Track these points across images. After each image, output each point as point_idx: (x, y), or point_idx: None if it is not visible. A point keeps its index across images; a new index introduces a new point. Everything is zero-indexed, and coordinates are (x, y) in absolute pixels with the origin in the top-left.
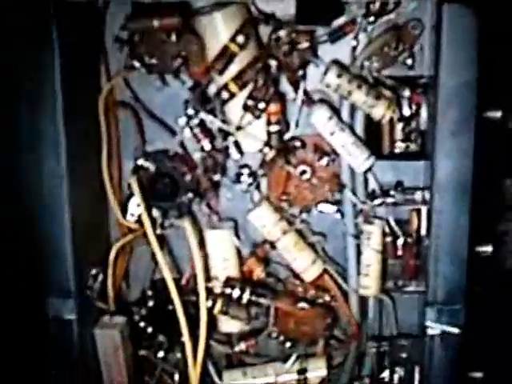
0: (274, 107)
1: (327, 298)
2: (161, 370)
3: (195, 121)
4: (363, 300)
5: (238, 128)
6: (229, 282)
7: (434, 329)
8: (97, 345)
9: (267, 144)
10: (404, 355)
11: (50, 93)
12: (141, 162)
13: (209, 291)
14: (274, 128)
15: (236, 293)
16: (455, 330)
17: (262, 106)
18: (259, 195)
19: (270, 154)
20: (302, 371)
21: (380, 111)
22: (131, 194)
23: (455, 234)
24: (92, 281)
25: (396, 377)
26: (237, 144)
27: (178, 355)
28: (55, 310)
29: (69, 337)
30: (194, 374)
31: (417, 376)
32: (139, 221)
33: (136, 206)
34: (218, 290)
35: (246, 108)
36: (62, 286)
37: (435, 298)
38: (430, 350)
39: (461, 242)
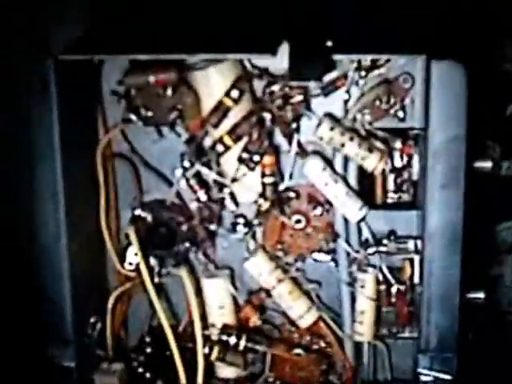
0: (268, 159)
1: (322, 344)
2: None
3: (191, 172)
4: (358, 346)
5: (233, 180)
6: (225, 330)
7: (426, 376)
8: None
9: (262, 195)
10: None
11: (48, 146)
12: (138, 212)
13: (206, 338)
14: (269, 180)
15: (232, 340)
16: (447, 377)
17: (256, 158)
18: (255, 244)
19: (265, 205)
20: None
21: (372, 163)
22: (129, 244)
23: (446, 283)
24: (91, 329)
25: None
26: (232, 195)
27: None
28: (55, 357)
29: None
30: None
31: None
32: (137, 269)
33: (134, 254)
34: (214, 337)
35: (240, 160)
36: (62, 335)
37: (427, 346)
38: None
39: (452, 290)
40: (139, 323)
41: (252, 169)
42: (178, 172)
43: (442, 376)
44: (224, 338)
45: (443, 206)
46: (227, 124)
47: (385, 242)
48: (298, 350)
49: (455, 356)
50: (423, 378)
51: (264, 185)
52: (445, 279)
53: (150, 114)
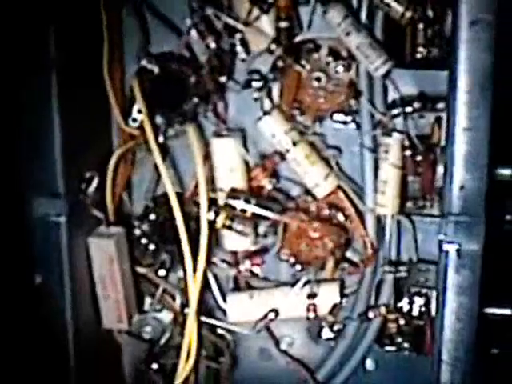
0: (283, 1)
1: (341, 218)
2: (162, 290)
3: (200, 17)
4: (380, 222)
5: (246, 24)
6: (233, 193)
7: (449, 244)
8: (91, 256)
9: (276, 41)
10: (423, 282)
11: None
12: (144, 63)
13: (212, 203)
14: (283, 24)
15: (240, 204)
16: (473, 247)
17: None
18: (270, 103)
19: (278, 51)
20: (313, 296)
21: (399, 10)
22: (134, 99)
23: (473, 139)
24: (85, 184)
25: (415, 306)
26: (243, 42)
27: (180, 274)
28: (42, 210)
29: (56, 241)
30: (194, 291)
31: (433, 302)
32: (142, 127)
33: (138, 111)
34: (221, 202)
35: (252, 1)
36: (51, 187)
37: (451, 209)
38: (445, 268)
39: (481, 147)
40: (144, 192)
41: (265, 11)
42: (188, 21)
43: (467, 245)
44: (231, 202)
45: (470, 44)
46: None
47: (412, 103)
48: (313, 223)
49: (482, 222)
50: (446, 247)
51: (278, 30)
52: (472, 135)
53: None
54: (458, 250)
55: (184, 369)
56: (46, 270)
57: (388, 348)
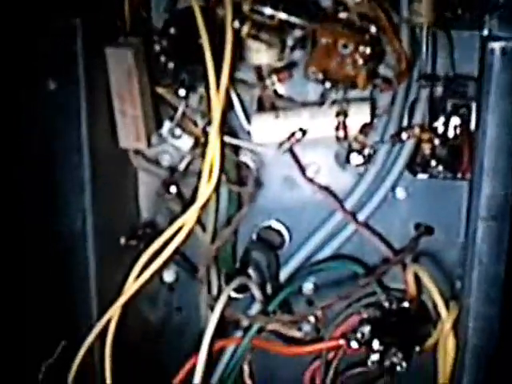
0: None
1: (374, 30)
2: (182, 113)
3: None
4: (415, 35)
5: None
6: None
7: (495, 42)
8: (108, 68)
9: None
10: (461, 93)
11: None
12: None
13: (237, 12)
14: None
15: (267, 10)
16: None
17: None
18: None
19: None
20: (342, 113)
21: None
22: None
23: None
24: None
25: (451, 127)
26: None
27: (202, 92)
28: None
29: (71, 45)
30: (217, 107)
31: (473, 116)
32: None
33: None
34: (246, 9)
35: None
36: None
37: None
38: (490, 68)
39: None
40: (164, 4)
41: None
42: None
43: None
44: (257, 7)
45: None
46: None
47: None
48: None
49: None
50: (491, 45)
51: None
52: None
53: None
54: (503, 48)
55: (205, 190)
56: (61, 76)
57: (420, 176)
